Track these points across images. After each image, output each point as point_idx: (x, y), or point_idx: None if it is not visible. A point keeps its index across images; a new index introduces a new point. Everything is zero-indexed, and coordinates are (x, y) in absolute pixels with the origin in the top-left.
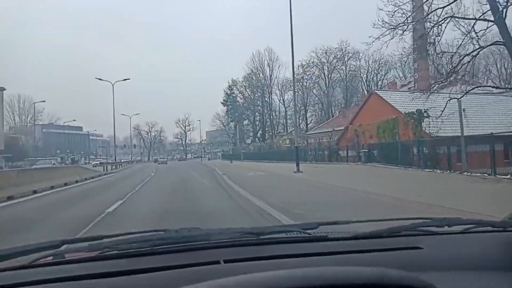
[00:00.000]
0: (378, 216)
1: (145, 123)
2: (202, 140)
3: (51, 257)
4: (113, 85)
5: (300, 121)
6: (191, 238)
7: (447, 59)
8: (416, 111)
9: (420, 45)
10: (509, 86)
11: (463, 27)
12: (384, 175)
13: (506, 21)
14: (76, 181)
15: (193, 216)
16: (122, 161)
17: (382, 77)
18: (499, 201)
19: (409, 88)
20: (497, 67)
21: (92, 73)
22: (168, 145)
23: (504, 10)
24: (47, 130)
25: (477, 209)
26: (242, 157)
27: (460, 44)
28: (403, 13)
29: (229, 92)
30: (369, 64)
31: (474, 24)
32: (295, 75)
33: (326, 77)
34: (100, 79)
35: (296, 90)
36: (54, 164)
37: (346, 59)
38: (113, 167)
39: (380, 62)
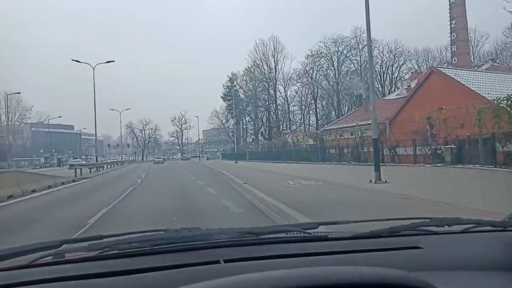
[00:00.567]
0: None
1: (139, 120)
2: (200, 139)
3: (51, 257)
4: (93, 68)
5: (309, 115)
6: (191, 238)
7: None
8: None
9: None
10: None
11: None
12: None
13: None
14: None
15: None
16: (108, 161)
17: (397, 69)
18: None
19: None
20: None
21: (92, 73)
22: (164, 144)
23: None
24: (36, 129)
25: None
26: (248, 156)
27: None
28: None
29: (230, 85)
30: (383, 55)
31: None
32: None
33: (336, 69)
34: (78, 61)
35: (305, 82)
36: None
37: (361, 47)
38: (94, 169)
39: (396, 53)
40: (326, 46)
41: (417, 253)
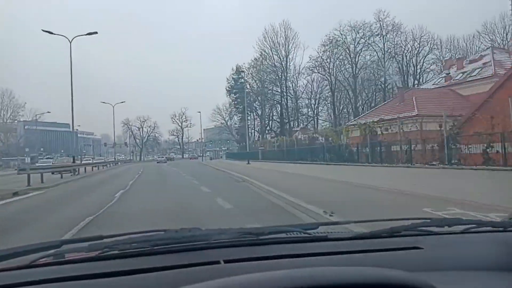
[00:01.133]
0: None
1: (136, 117)
2: (201, 138)
3: (51, 257)
4: (70, 42)
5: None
6: (191, 238)
7: None
8: None
9: None
10: None
11: None
12: None
13: None
14: None
15: None
16: (93, 162)
17: (422, 59)
18: None
19: None
20: None
21: (92, 73)
22: (164, 143)
23: None
24: (30, 127)
25: None
26: (261, 156)
27: None
28: None
29: (236, 77)
30: (406, 43)
31: None
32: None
33: (352, 59)
34: (51, 33)
35: (322, 73)
36: None
37: (384, 33)
38: (70, 172)
39: (421, 40)
40: (341, 34)
41: (418, 254)
